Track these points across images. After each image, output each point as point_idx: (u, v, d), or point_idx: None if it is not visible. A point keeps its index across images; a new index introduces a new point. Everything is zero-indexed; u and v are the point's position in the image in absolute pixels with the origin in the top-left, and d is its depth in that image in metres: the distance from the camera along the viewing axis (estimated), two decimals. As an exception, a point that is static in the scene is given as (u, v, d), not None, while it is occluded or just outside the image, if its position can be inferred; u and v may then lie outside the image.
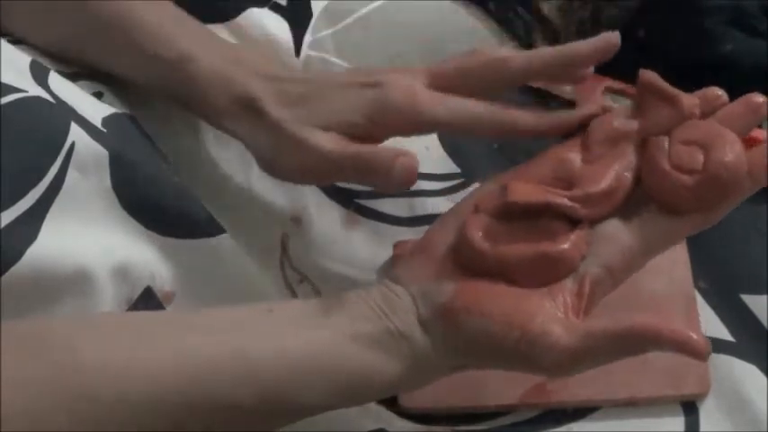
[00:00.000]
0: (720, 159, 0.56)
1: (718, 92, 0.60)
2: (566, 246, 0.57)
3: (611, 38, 0.62)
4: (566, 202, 0.58)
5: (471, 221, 0.59)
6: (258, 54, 0.71)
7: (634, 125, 0.60)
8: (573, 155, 0.60)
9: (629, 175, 0.59)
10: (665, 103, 0.59)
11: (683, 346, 0.53)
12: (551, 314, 0.55)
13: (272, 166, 0.66)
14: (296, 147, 0.63)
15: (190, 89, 0.67)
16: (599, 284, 0.57)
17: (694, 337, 0.53)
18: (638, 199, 0.59)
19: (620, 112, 0.61)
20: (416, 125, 0.63)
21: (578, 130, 0.62)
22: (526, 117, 0.62)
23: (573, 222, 0.58)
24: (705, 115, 0.59)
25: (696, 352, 0.53)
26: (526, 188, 0.59)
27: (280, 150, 0.64)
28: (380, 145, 0.63)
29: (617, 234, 0.58)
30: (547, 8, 0.82)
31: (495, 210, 0.59)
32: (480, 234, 0.58)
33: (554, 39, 0.82)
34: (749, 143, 0.58)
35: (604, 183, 0.58)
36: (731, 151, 0.57)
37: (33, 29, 0.69)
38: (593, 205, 0.58)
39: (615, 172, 0.59)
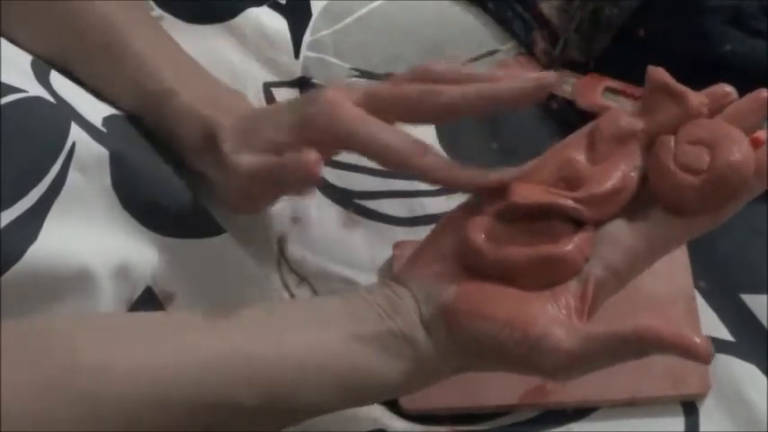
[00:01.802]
0: (726, 159, 0.56)
1: (727, 89, 0.59)
2: (569, 248, 0.56)
3: (545, 78, 0.61)
4: (570, 203, 0.57)
5: (473, 223, 0.59)
6: (233, 92, 0.72)
7: (640, 124, 0.59)
8: (578, 155, 0.59)
9: (634, 176, 0.58)
10: (673, 100, 0.58)
11: (686, 351, 0.53)
12: (554, 317, 0.55)
13: (227, 200, 0.67)
14: (231, 173, 0.64)
15: (167, 124, 0.68)
16: (603, 287, 0.57)
17: (697, 341, 0.53)
18: (644, 199, 0.58)
19: (627, 111, 0.61)
20: (335, 141, 0.62)
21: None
22: (432, 164, 0.61)
23: (577, 224, 0.58)
24: (713, 113, 0.59)
25: (699, 356, 0.53)
26: (529, 189, 0.58)
27: (227, 182, 0.65)
28: None
29: (622, 235, 0.57)
30: (546, 8, 0.82)
31: (498, 211, 0.59)
32: (483, 236, 0.58)
33: (553, 39, 0.82)
34: (754, 144, 0.58)
35: (609, 183, 0.58)
36: (738, 151, 0.56)
37: (24, 38, 0.68)
38: (598, 206, 0.57)
39: (621, 172, 0.58)
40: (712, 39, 0.77)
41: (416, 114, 0.63)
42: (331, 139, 0.62)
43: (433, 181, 0.61)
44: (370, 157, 0.62)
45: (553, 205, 0.57)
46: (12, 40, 0.66)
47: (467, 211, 0.60)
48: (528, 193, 0.58)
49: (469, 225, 0.58)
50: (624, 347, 0.54)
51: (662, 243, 0.58)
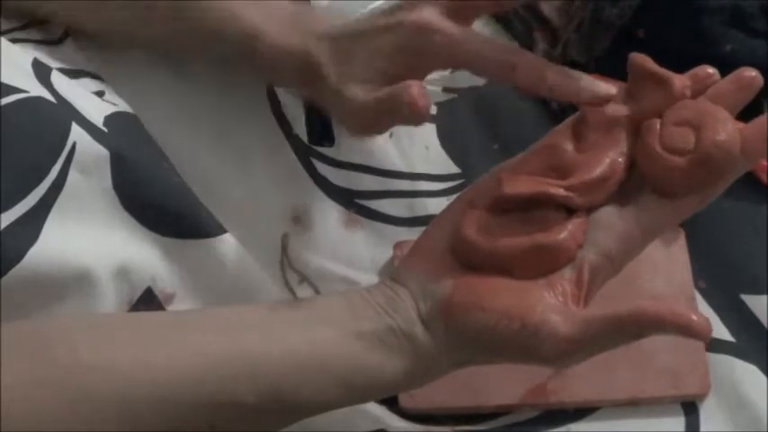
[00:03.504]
0: (712, 139, 0.56)
1: (709, 70, 0.59)
2: (562, 235, 0.57)
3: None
4: (561, 191, 0.58)
5: (467, 217, 0.59)
6: (306, 7, 0.72)
7: (625, 110, 0.59)
8: (566, 144, 0.60)
9: (622, 161, 0.58)
10: (656, 85, 0.59)
11: (684, 329, 0.53)
12: (551, 304, 0.55)
13: (343, 124, 0.68)
14: (345, 103, 0.64)
15: (255, 63, 0.68)
16: (598, 272, 0.57)
17: (695, 318, 0.53)
18: (633, 184, 0.58)
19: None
20: (436, 60, 0.63)
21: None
22: (528, 64, 0.61)
23: (569, 211, 0.58)
24: (697, 94, 0.59)
25: (697, 333, 0.53)
26: (520, 180, 0.59)
27: (340, 108, 0.65)
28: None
29: (614, 220, 0.57)
30: (547, 8, 0.82)
31: (490, 204, 0.59)
32: (476, 229, 0.58)
33: (553, 39, 0.82)
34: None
35: (599, 170, 0.58)
36: (723, 130, 0.56)
37: (86, 11, 0.68)
38: (589, 193, 0.58)
39: (609, 158, 0.58)
40: (712, 39, 0.77)
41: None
42: (428, 60, 0.63)
43: (528, 88, 0.62)
44: (470, 66, 0.63)
45: (544, 194, 0.58)
46: (71, 18, 0.67)
47: (459, 206, 0.60)
48: (518, 184, 0.58)
49: (463, 219, 0.59)
50: (622, 330, 0.54)
51: (653, 226, 0.58)
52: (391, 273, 0.60)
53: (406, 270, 0.59)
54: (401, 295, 0.58)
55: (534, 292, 0.56)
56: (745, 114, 0.58)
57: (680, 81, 0.58)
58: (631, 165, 0.59)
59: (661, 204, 0.57)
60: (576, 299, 0.56)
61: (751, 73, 0.58)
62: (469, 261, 0.58)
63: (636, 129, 0.59)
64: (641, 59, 0.59)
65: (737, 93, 0.58)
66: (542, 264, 0.57)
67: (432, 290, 0.57)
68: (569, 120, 0.61)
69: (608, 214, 0.58)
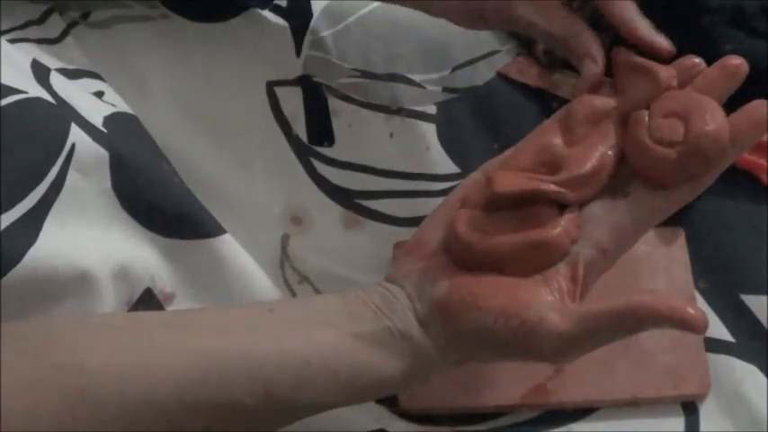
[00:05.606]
0: (701, 129, 0.56)
1: (695, 59, 0.60)
2: (556, 231, 0.57)
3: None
4: (552, 187, 0.58)
5: (459, 216, 0.59)
6: None
7: (613, 103, 0.60)
8: (555, 139, 0.60)
9: (612, 154, 0.58)
10: (642, 76, 0.59)
11: (680, 322, 0.53)
12: (547, 301, 0.55)
13: None
14: None
15: None
16: (593, 266, 0.57)
17: (691, 311, 0.53)
18: (623, 176, 0.59)
19: (600, 92, 0.61)
20: None
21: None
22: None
23: (561, 207, 0.58)
24: (683, 85, 0.59)
25: (694, 326, 0.53)
26: (511, 177, 0.59)
27: None
28: None
29: (606, 214, 0.58)
30: (547, 8, 0.81)
31: (482, 202, 0.59)
32: (469, 228, 0.58)
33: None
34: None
35: (589, 164, 0.58)
36: (711, 120, 0.56)
37: None
38: (580, 188, 0.58)
39: (599, 152, 0.58)
40: (712, 39, 0.77)
41: None
42: None
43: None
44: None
45: (536, 191, 0.58)
46: None
47: (451, 204, 0.61)
48: (509, 182, 0.58)
49: (455, 218, 0.59)
50: (620, 324, 0.54)
51: (645, 217, 0.58)
52: (387, 273, 0.60)
53: (401, 270, 0.59)
54: (397, 296, 0.58)
55: (530, 289, 0.56)
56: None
57: (665, 71, 0.59)
58: (621, 157, 0.59)
59: (652, 196, 0.58)
60: (571, 294, 0.56)
61: (736, 60, 0.59)
62: (464, 260, 0.58)
63: (624, 121, 0.59)
64: (624, 53, 0.60)
65: (724, 81, 0.59)
66: (537, 260, 0.57)
67: (427, 290, 0.57)
68: (557, 114, 0.61)
69: (600, 208, 0.58)
